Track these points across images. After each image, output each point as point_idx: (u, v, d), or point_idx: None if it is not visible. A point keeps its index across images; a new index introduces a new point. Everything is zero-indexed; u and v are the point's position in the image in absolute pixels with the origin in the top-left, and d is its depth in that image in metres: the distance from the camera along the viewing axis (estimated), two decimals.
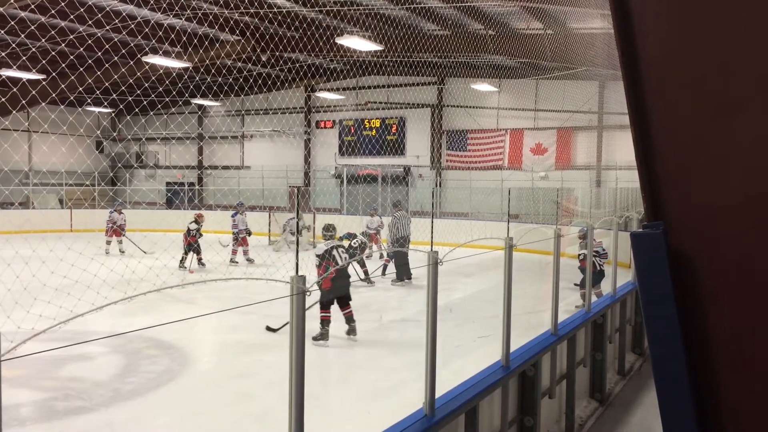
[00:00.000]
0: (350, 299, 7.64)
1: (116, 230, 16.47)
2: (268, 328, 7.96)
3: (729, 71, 1.48)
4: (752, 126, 1.46)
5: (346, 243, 12.06)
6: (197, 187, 29.58)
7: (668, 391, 1.74)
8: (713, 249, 1.60)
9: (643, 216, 1.76)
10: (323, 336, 7.39)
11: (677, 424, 1.73)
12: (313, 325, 7.23)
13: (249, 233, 15.31)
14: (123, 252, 16.00)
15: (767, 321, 1.53)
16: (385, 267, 13.09)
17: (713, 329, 1.63)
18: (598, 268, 9.48)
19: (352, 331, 7.60)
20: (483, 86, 21.36)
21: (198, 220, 14.13)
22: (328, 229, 8.45)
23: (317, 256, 7.74)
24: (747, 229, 1.52)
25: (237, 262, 14.93)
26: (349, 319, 7.60)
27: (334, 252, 7.61)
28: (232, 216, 15.33)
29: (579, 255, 9.86)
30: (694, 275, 1.62)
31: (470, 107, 23.22)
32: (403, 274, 12.11)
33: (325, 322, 7.41)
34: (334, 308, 7.53)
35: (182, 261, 13.88)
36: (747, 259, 1.54)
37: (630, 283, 8.38)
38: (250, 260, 15.25)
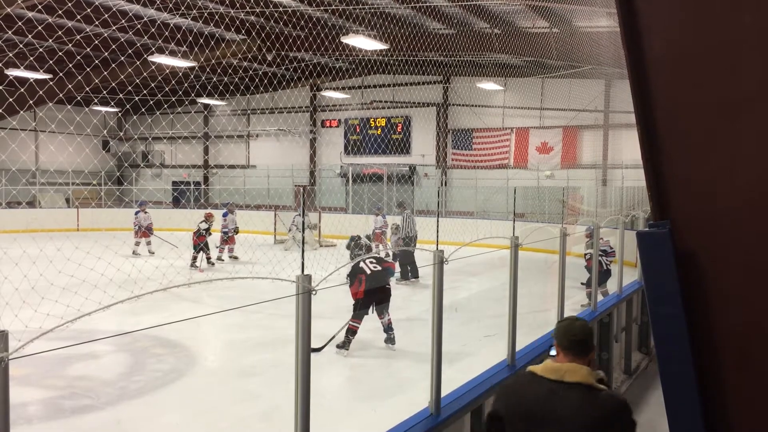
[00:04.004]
0: (387, 309, 7.49)
1: (144, 231, 16.39)
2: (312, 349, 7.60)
3: (735, 71, 1.48)
4: (758, 125, 1.45)
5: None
6: (203, 186, 29.65)
7: (674, 389, 1.73)
8: (719, 248, 1.60)
9: (649, 215, 1.76)
10: (345, 345, 7.28)
11: (684, 422, 1.72)
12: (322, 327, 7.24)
13: (236, 231, 15.57)
14: (152, 253, 15.86)
15: None
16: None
17: (719, 328, 1.62)
18: (605, 267, 9.45)
19: (390, 341, 7.43)
20: (488, 85, 21.32)
21: (208, 220, 14.21)
22: (357, 246, 8.20)
23: (347, 276, 7.60)
24: (753, 228, 1.52)
25: (224, 260, 15.17)
26: (388, 328, 7.45)
27: (362, 264, 7.51)
28: (224, 216, 15.51)
29: (585, 254, 9.83)
30: (700, 274, 1.62)
31: (476, 106, 23.19)
32: (409, 273, 12.13)
33: (351, 332, 7.34)
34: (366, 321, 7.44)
35: (194, 260, 13.94)
36: (752, 258, 1.53)
37: (636, 282, 8.35)
38: (234, 257, 15.43)
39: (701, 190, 1.62)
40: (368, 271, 7.35)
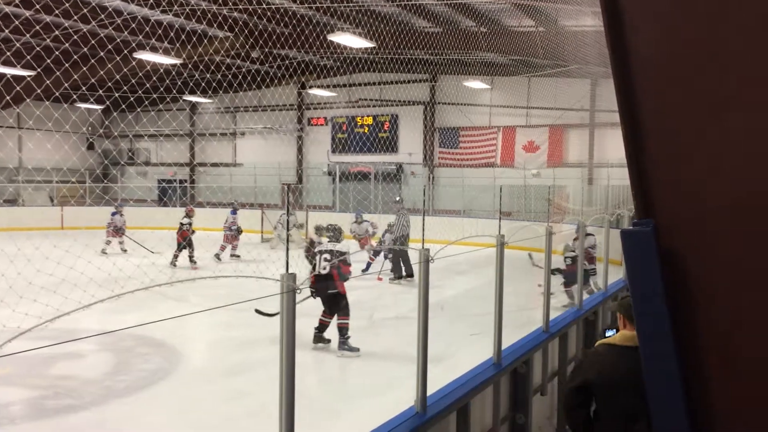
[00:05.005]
0: (342, 307, 7.25)
1: (117, 231, 16.27)
2: (258, 311, 7.14)
3: (721, 69, 1.48)
4: (744, 124, 1.45)
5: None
6: (188, 184, 29.42)
7: (659, 387, 1.74)
8: (703, 247, 1.60)
9: (633, 213, 1.76)
10: (313, 339, 7.27)
11: (668, 420, 1.73)
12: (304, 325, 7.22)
13: (240, 230, 15.59)
14: (125, 251, 15.75)
15: (756, 319, 1.53)
16: (368, 265, 13.09)
17: (703, 326, 1.63)
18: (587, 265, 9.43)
19: (339, 345, 7.18)
20: (475, 83, 21.38)
21: (189, 214, 14.10)
22: (327, 230, 8.00)
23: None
24: (736, 226, 1.52)
25: (221, 260, 15.08)
26: (341, 331, 7.20)
27: (317, 257, 7.49)
28: (232, 213, 15.47)
29: (566, 259, 9.71)
30: (684, 272, 1.62)
31: (463, 104, 23.23)
32: (401, 271, 12.13)
33: (320, 326, 7.31)
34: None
35: (176, 258, 13.78)
36: (737, 257, 1.54)
37: (621, 281, 8.41)
38: (236, 256, 15.34)
39: (685, 189, 1.62)
40: (316, 271, 7.30)
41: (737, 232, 1.52)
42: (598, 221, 11.02)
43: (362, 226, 14.98)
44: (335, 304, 7.29)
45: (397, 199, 13.68)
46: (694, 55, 1.52)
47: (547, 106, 21.54)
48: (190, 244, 13.86)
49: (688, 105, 1.56)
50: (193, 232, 14.04)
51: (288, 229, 3.25)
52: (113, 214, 16.39)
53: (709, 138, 1.54)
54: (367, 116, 25.46)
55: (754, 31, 1.40)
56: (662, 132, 1.62)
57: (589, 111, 21.37)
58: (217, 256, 15.01)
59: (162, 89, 20.89)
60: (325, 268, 7.27)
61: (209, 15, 14.25)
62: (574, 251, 9.67)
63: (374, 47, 16.09)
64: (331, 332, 7.39)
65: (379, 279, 12.24)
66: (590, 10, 13.33)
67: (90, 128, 29.51)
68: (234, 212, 15.59)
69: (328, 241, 7.77)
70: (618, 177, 18.01)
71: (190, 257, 13.96)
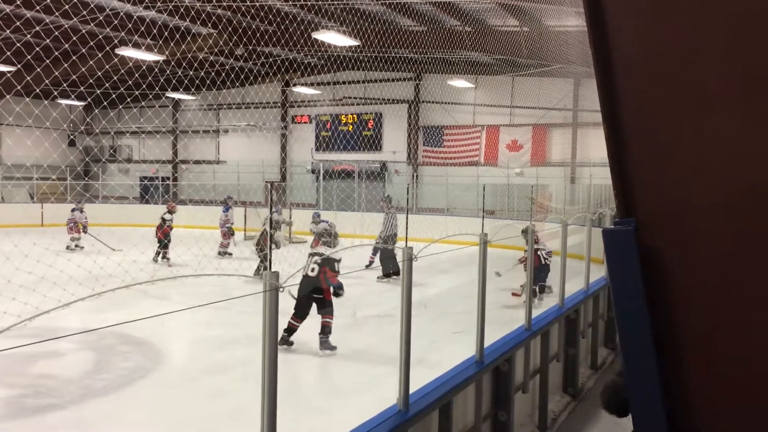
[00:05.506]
0: (325, 307, 7.19)
1: (77, 228, 16.06)
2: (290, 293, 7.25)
3: (702, 69, 1.49)
4: (724, 124, 1.47)
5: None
6: (170, 182, 29.15)
7: (638, 384, 1.76)
8: (682, 245, 1.62)
9: (615, 212, 1.77)
10: (279, 341, 7.23)
11: (647, 416, 1.75)
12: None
13: (232, 223, 15.68)
14: (82, 248, 15.58)
15: (734, 317, 1.55)
16: (370, 262, 13.11)
17: (682, 324, 1.65)
18: (543, 261, 9.43)
19: (320, 344, 7.14)
20: (459, 82, 21.45)
21: (171, 211, 14.04)
22: (321, 235, 7.94)
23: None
24: (717, 225, 1.54)
25: (230, 254, 15.07)
26: (323, 329, 7.16)
27: (308, 258, 7.48)
28: (224, 211, 15.46)
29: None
30: (664, 271, 1.64)
31: (447, 103, 23.29)
32: (389, 269, 12.12)
33: (288, 329, 7.23)
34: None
35: (157, 255, 13.68)
36: (715, 255, 1.56)
37: (603, 279, 8.49)
38: (228, 254, 15.35)
39: (666, 188, 1.64)
40: (305, 273, 7.20)
41: (718, 231, 1.54)
42: (581, 220, 11.11)
43: (320, 227, 14.94)
44: (320, 305, 7.24)
45: (386, 197, 13.69)
46: (676, 54, 1.53)
47: (531, 105, 21.67)
48: (168, 241, 13.79)
49: (670, 104, 1.58)
50: (172, 228, 13.94)
51: (271, 228, 3.26)
52: (73, 210, 16.21)
53: (690, 137, 1.56)
54: (352, 114, 25.42)
55: (736, 31, 1.41)
56: (644, 131, 1.63)
57: (572, 110, 21.54)
58: (220, 254, 14.99)
59: (144, 86, 20.64)
60: (313, 270, 7.24)
61: (193, 12, 14.11)
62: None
63: (359, 45, 16.06)
64: (300, 334, 7.33)
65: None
66: (573, 10, 13.43)
67: (71, 125, 29.11)
68: (226, 210, 15.50)
69: (322, 244, 7.77)
70: (600, 176, 18.16)
71: (164, 254, 13.83)
